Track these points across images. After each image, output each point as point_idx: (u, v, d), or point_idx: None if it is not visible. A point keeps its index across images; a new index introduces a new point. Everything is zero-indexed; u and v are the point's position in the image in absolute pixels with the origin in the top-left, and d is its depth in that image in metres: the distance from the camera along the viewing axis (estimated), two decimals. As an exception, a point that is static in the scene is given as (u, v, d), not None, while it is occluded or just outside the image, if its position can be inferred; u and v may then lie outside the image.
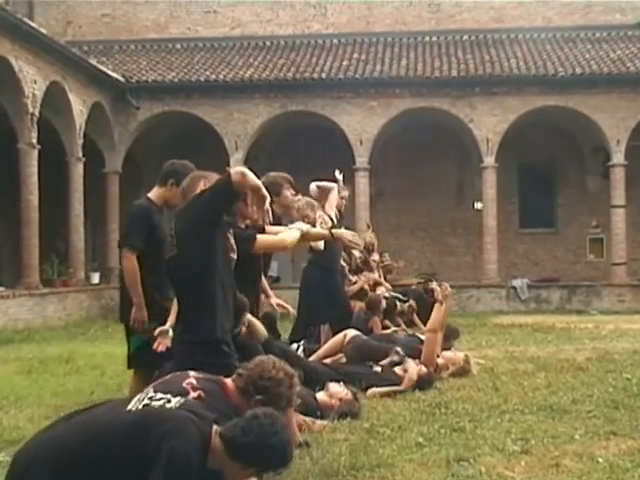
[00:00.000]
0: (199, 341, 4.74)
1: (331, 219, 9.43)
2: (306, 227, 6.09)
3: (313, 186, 9.98)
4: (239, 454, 3.59)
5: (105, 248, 23.13)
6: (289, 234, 5.89)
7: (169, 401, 3.86)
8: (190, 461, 3.47)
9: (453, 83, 22.98)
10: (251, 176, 4.73)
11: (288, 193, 7.50)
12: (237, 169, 4.73)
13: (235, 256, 5.18)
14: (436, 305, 8.92)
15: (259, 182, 4.91)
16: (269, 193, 7.69)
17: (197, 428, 3.59)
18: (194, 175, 5.29)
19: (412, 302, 14.07)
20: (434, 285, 9.20)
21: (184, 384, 4.07)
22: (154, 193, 6.45)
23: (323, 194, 9.77)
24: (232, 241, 5.17)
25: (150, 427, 3.54)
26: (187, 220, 4.76)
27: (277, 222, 7.56)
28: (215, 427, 3.68)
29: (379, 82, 23.15)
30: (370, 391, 7.76)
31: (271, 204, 7.63)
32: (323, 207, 9.44)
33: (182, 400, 3.87)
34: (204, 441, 3.60)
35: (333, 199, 9.87)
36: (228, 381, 4.21)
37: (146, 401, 3.84)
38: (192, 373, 4.20)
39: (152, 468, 3.41)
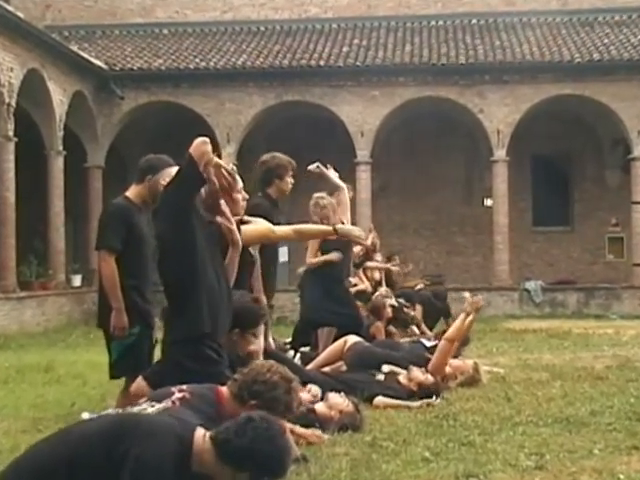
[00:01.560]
0: (181, 339, 4.83)
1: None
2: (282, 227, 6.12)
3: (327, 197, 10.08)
4: (231, 458, 3.61)
5: (87, 248, 23.05)
6: (282, 227, 5.87)
7: (151, 406, 3.93)
8: (160, 467, 3.49)
9: (461, 70, 22.98)
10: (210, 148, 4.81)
11: (289, 180, 7.77)
12: (196, 140, 4.76)
13: (239, 246, 5.21)
14: (462, 315, 9.00)
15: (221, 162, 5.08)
16: (275, 174, 7.87)
17: (174, 432, 3.62)
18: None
19: (417, 310, 14.02)
20: (466, 294, 9.33)
21: (172, 389, 4.19)
22: (132, 192, 6.48)
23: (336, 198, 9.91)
24: (232, 230, 5.20)
25: (124, 432, 3.59)
26: (163, 216, 4.86)
27: (274, 205, 7.70)
28: (203, 431, 3.71)
29: (381, 69, 23.15)
30: (377, 399, 7.74)
31: (267, 188, 7.79)
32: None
33: (164, 406, 3.91)
34: (183, 446, 3.62)
35: (346, 202, 9.94)
36: (223, 388, 4.28)
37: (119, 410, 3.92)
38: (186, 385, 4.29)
39: (120, 474, 3.47)
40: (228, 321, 5.26)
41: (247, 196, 5.88)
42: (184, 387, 4.22)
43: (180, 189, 4.77)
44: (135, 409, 3.95)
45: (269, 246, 7.28)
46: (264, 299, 7.60)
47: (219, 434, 3.65)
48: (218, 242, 5.16)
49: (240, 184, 5.62)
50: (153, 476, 3.47)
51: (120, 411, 3.96)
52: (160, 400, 4.08)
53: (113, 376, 6.58)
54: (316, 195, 9.80)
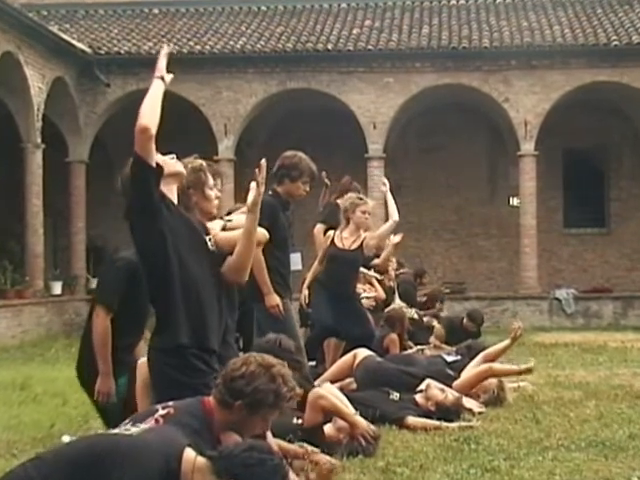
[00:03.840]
0: (165, 347, 4.89)
1: None
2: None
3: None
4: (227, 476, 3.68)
5: (69, 252, 23.14)
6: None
7: (135, 426, 3.95)
8: None
9: (484, 55, 22.97)
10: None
11: (301, 186, 7.90)
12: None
13: (214, 247, 5.20)
14: (505, 342, 9.58)
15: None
16: (287, 174, 8.03)
17: (159, 453, 3.66)
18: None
19: (439, 330, 14.00)
20: (515, 324, 9.73)
21: (157, 406, 4.23)
22: None
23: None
24: (212, 233, 5.20)
25: (103, 457, 3.61)
26: (132, 226, 4.92)
27: (282, 205, 7.87)
28: (193, 453, 3.75)
29: (396, 54, 23.15)
30: (410, 419, 7.76)
31: (278, 185, 7.93)
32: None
33: (149, 425, 3.93)
34: (170, 467, 3.66)
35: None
36: (209, 398, 4.32)
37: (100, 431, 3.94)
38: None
39: None
40: (227, 326, 5.28)
41: (219, 194, 5.90)
42: (169, 403, 4.26)
43: (135, 192, 4.82)
44: (117, 430, 3.96)
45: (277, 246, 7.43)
46: (277, 298, 7.73)
47: (217, 457, 3.72)
48: (203, 244, 5.14)
49: (211, 181, 5.63)
50: None
51: (99, 432, 3.97)
52: (143, 419, 4.11)
53: (107, 425, 6.62)
54: (360, 198, 10.05)
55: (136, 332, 6.56)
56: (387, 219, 10.93)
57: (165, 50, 5.09)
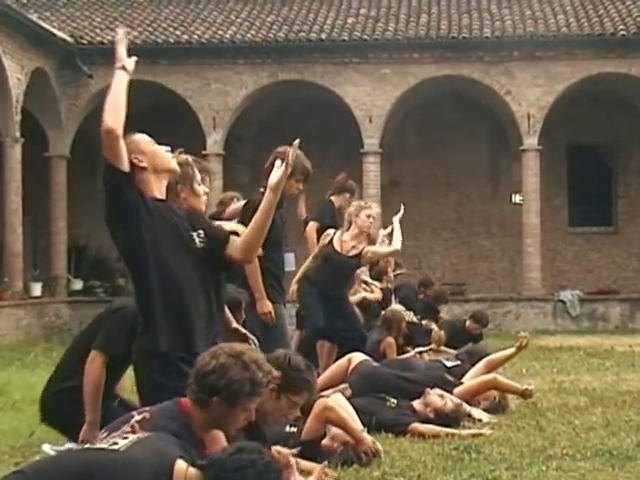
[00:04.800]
0: (148, 350, 4.94)
1: None
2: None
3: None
4: None
5: (49, 252, 23.10)
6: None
7: (123, 438, 3.93)
8: None
9: (486, 45, 22.98)
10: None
11: (295, 184, 7.92)
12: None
13: (201, 245, 5.17)
14: (513, 349, 9.66)
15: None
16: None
17: (149, 468, 3.66)
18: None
19: (437, 333, 14.02)
20: (522, 334, 9.75)
21: (133, 412, 4.26)
22: None
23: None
24: (198, 230, 5.18)
25: (90, 474, 3.61)
26: (111, 230, 4.96)
27: (279, 204, 7.89)
28: (184, 464, 3.76)
29: (393, 44, 23.16)
30: (414, 426, 7.78)
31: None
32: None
33: (137, 436, 3.93)
34: None
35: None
36: (185, 399, 4.33)
37: (87, 446, 3.91)
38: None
39: None
40: (218, 331, 5.28)
41: (208, 190, 5.89)
42: (145, 408, 4.29)
43: (108, 196, 4.87)
44: (104, 444, 3.94)
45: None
46: (269, 305, 7.74)
47: (210, 465, 3.72)
48: (187, 242, 5.12)
49: (199, 176, 5.63)
50: None
51: (85, 447, 3.93)
52: (118, 427, 4.12)
53: None
54: (367, 202, 10.14)
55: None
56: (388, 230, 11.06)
57: (120, 34, 5.05)
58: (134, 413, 4.25)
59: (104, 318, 6.77)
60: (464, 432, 7.79)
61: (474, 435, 7.69)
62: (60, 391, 6.84)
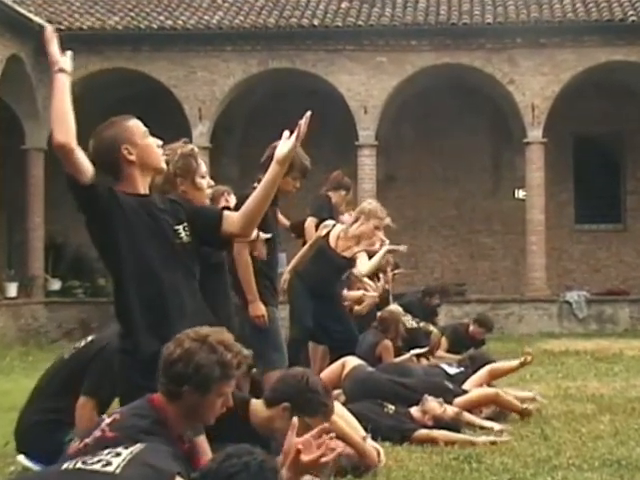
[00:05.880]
0: (128, 351, 4.94)
1: None
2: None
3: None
4: None
5: (25, 250, 23.04)
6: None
7: (116, 455, 3.87)
8: None
9: (487, 32, 23.00)
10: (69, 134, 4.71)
11: (291, 181, 7.88)
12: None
13: (186, 239, 5.14)
14: (514, 363, 9.84)
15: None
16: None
17: None
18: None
19: (437, 336, 14.02)
20: (527, 350, 10.04)
21: (104, 416, 4.29)
22: None
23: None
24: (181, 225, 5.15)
25: None
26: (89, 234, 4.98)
27: (274, 202, 7.89)
28: None
29: (389, 31, 23.15)
30: (421, 432, 7.79)
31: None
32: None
33: (129, 454, 3.88)
34: None
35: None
36: (156, 395, 4.32)
37: (79, 465, 3.84)
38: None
39: None
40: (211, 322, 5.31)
41: (212, 182, 5.87)
42: (116, 410, 4.32)
43: (77, 204, 4.94)
44: (96, 463, 3.84)
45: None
46: (262, 307, 7.72)
47: (199, 477, 3.73)
48: (168, 239, 5.10)
49: (204, 168, 5.60)
50: None
51: (76, 466, 3.85)
52: (89, 434, 4.13)
53: None
54: (383, 211, 10.10)
55: None
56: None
57: (49, 32, 4.91)
58: (104, 416, 4.26)
59: (88, 359, 6.79)
60: (480, 439, 7.80)
61: (492, 443, 7.71)
62: (42, 423, 6.86)
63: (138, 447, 3.89)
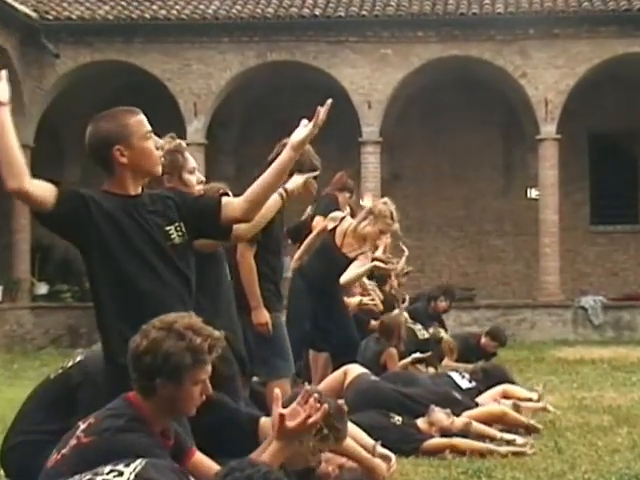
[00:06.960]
0: (107, 361, 4.95)
1: None
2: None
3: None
4: None
5: (10, 252, 23.04)
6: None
7: (119, 475, 3.85)
8: None
9: (498, 22, 22.99)
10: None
11: (312, 182, 7.85)
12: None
13: (176, 240, 5.11)
14: (532, 395, 10.15)
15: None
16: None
17: None
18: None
19: (448, 343, 14.00)
20: (540, 390, 10.41)
21: (79, 422, 4.26)
22: None
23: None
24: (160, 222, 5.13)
25: None
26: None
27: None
28: None
29: (395, 21, 23.16)
30: (434, 441, 7.82)
31: None
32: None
33: (134, 466, 3.89)
34: None
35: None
36: (132, 393, 4.33)
37: (89, 476, 3.85)
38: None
39: None
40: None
41: (203, 178, 5.85)
42: (91, 414, 4.27)
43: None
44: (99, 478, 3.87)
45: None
46: (266, 314, 7.69)
47: None
48: (155, 245, 5.08)
49: (192, 163, 5.58)
50: None
51: None
52: (66, 443, 4.13)
53: None
54: (393, 216, 10.08)
55: None
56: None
57: None
58: (79, 423, 4.24)
59: (75, 384, 6.80)
60: (503, 448, 7.82)
61: (515, 453, 7.74)
62: (26, 443, 6.85)
63: (139, 464, 3.90)
